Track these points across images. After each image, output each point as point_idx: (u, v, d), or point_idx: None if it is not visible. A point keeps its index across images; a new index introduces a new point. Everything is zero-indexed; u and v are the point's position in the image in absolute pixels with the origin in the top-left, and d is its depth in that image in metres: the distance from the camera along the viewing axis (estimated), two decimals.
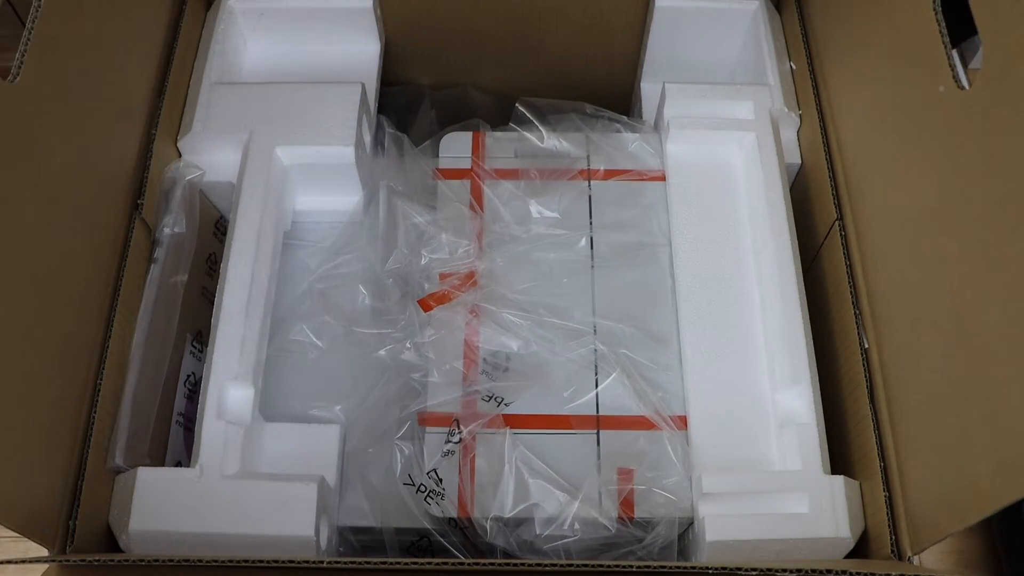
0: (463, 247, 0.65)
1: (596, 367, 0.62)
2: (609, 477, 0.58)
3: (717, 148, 0.68)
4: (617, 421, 0.60)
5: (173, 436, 0.60)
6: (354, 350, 0.63)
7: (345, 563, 0.50)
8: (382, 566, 0.49)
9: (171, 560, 0.49)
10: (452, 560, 0.53)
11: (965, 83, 0.50)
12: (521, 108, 0.73)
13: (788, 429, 0.57)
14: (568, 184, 0.68)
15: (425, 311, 0.63)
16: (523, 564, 0.49)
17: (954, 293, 0.50)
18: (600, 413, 0.60)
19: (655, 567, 0.48)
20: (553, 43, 0.81)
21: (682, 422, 0.60)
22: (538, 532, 0.57)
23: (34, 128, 0.51)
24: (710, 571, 0.48)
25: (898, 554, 0.53)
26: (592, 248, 0.66)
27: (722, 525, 0.54)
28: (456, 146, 0.70)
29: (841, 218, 0.64)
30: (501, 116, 0.74)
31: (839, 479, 0.55)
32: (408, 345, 0.62)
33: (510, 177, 0.69)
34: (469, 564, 0.49)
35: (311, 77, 0.73)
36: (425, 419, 0.60)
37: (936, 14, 0.53)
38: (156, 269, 0.62)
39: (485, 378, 0.61)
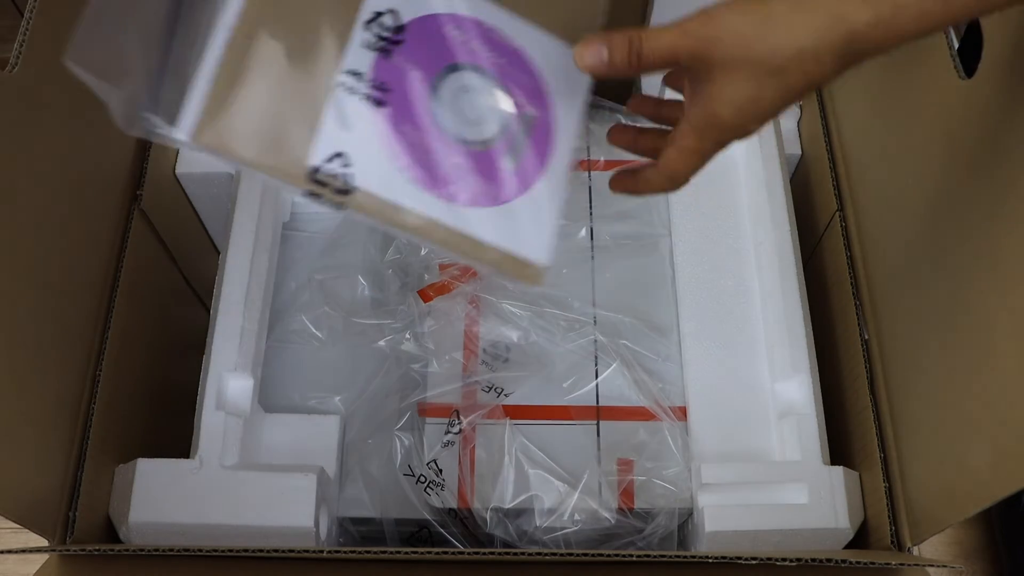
0: None
1: (596, 358, 0.62)
2: (609, 468, 0.58)
3: None
4: (617, 412, 0.60)
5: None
6: (354, 341, 0.63)
7: (345, 553, 0.50)
8: (382, 556, 0.49)
9: (171, 550, 0.49)
10: (452, 550, 0.53)
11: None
12: None
13: (788, 420, 0.57)
14: None
15: (425, 301, 0.63)
16: (523, 554, 0.49)
17: (955, 284, 0.50)
18: (600, 404, 0.60)
19: (655, 557, 0.48)
20: None
21: (682, 413, 0.60)
22: (538, 523, 0.57)
23: (33, 119, 0.51)
24: (710, 561, 0.48)
25: (898, 545, 0.53)
26: (592, 238, 0.66)
27: (722, 515, 0.54)
28: None
29: (842, 209, 0.64)
30: None
31: (838, 470, 0.55)
32: (408, 336, 0.62)
33: None
34: (469, 554, 0.50)
35: None
36: (425, 409, 0.60)
37: None
38: None
39: (485, 368, 0.61)
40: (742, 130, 0.40)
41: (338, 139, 0.40)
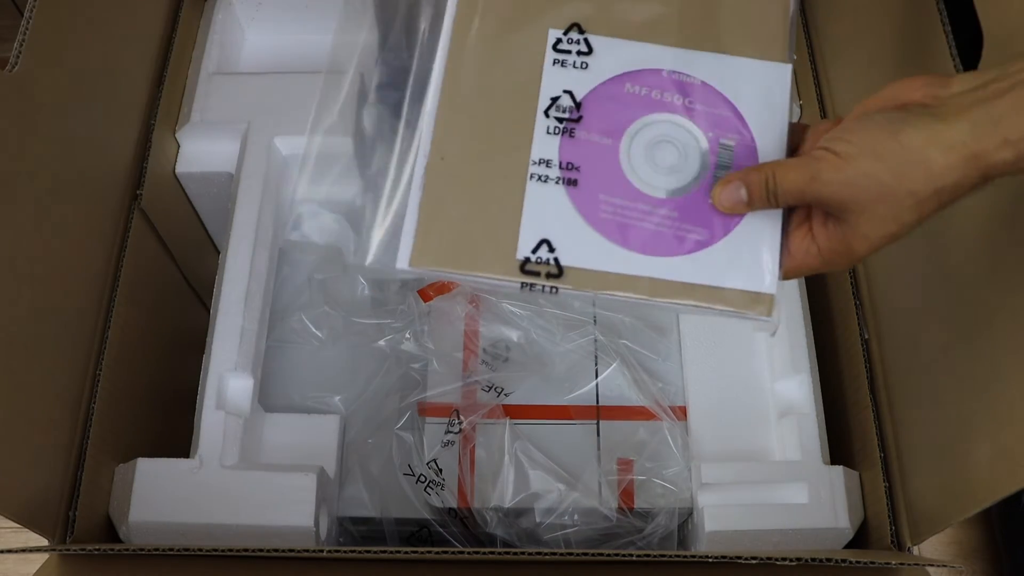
0: None
1: (596, 357, 0.62)
2: (609, 467, 0.58)
3: None
4: (617, 411, 0.60)
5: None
6: (354, 340, 0.63)
7: (344, 552, 0.50)
8: (382, 555, 0.49)
9: (171, 550, 0.49)
10: (452, 549, 0.53)
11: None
12: None
13: (788, 419, 0.57)
14: None
15: (425, 301, 0.63)
16: (523, 553, 0.49)
17: (954, 284, 0.50)
18: (600, 403, 0.60)
19: (655, 556, 0.48)
20: None
21: (682, 412, 0.60)
22: (538, 522, 0.57)
23: (33, 119, 0.51)
24: (710, 560, 0.48)
25: (898, 544, 0.53)
26: None
27: (721, 515, 0.54)
28: None
29: None
30: None
31: (838, 469, 0.55)
32: (408, 335, 0.62)
33: None
34: (469, 553, 0.49)
35: (310, 67, 0.72)
36: (425, 409, 0.60)
37: (938, 3, 0.53)
38: None
39: (485, 368, 0.61)
40: (869, 255, 0.40)
41: (540, 228, 0.42)
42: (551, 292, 0.41)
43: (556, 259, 0.41)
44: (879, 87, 0.60)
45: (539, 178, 0.42)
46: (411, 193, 0.42)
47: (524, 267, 0.41)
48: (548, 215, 0.42)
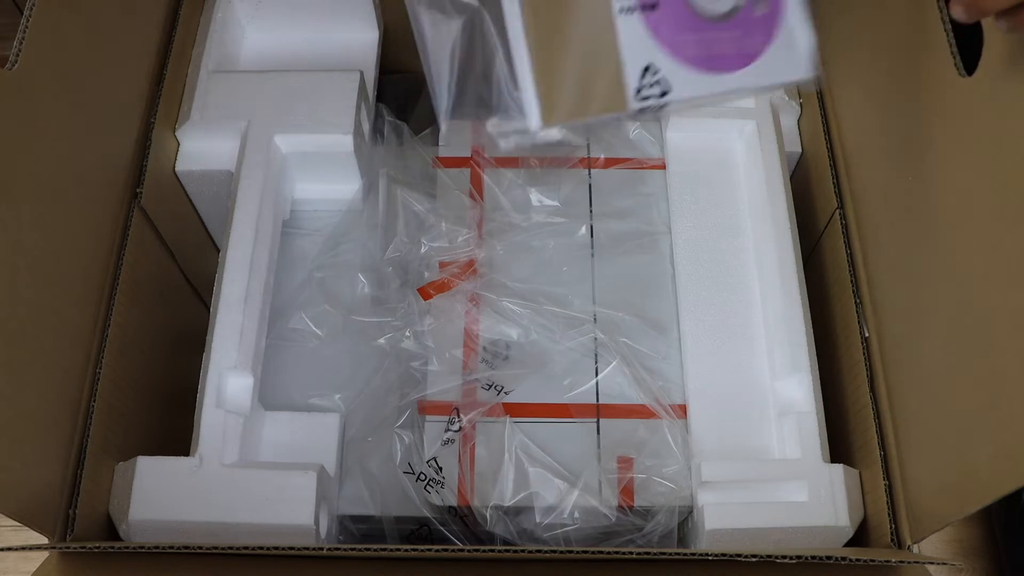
0: (463, 235, 0.65)
1: (596, 355, 0.62)
2: (609, 466, 0.58)
3: (717, 136, 0.68)
4: (617, 410, 0.60)
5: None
6: (354, 338, 0.63)
7: (344, 550, 0.51)
8: (382, 553, 0.49)
9: (171, 548, 0.49)
10: (452, 547, 0.53)
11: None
12: None
13: (788, 417, 0.57)
14: (568, 172, 0.68)
15: (425, 299, 0.63)
16: (523, 551, 0.49)
17: (955, 281, 0.50)
18: (600, 402, 0.60)
19: (655, 554, 0.48)
20: None
21: (682, 411, 0.60)
22: (538, 520, 0.57)
23: (33, 117, 0.51)
24: (710, 558, 0.48)
25: (898, 543, 0.53)
26: (592, 236, 0.66)
27: (721, 513, 0.54)
28: (456, 134, 0.70)
29: (842, 207, 0.64)
30: None
31: (838, 467, 0.55)
32: (408, 333, 0.62)
33: (510, 165, 0.68)
34: (469, 551, 0.50)
35: (310, 65, 0.72)
36: (425, 407, 0.60)
37: (938, 2, 0.53)
38: None
39: (485, 366, 0.61)
40: None
41: (639, 55, 0.45)
42: (661, 108, 0.45)
43: (662, 80, 0.45)
44: (879, 86, 0.60)
45: (625, 11, 0.45)
46: (520, 64, 0.44)
47: (639, 95, 0.45)
48: (642, 43, 0.45)
